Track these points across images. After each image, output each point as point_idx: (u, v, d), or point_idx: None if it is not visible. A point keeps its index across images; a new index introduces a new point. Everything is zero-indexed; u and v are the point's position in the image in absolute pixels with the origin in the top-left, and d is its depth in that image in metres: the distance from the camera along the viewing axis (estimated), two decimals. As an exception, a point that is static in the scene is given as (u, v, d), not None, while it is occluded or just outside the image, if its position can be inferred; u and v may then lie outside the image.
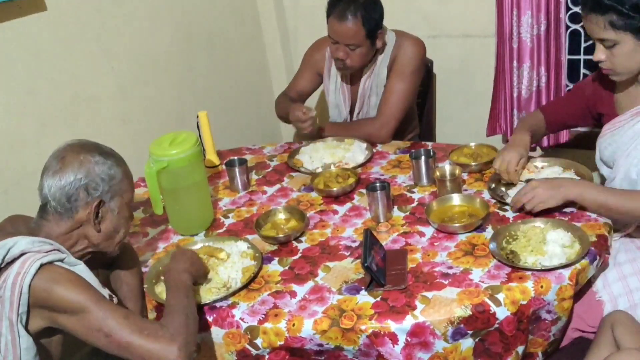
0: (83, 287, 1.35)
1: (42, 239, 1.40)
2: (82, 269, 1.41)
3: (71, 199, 1.43)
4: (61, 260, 1.37)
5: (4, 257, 1.34)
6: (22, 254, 1.34)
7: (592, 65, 2.84)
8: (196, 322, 1.44)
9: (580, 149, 2.81)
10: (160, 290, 1.70)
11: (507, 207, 1.89)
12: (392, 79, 2.44)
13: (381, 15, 2.35)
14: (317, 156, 2.33)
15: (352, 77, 2.53)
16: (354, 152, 2.33)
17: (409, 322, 1.50)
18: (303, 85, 2.65)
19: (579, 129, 2.85)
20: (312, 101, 2.90)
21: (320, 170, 2.26)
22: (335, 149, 2.36)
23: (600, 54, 1.79)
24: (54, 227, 1.45)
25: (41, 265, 1.33)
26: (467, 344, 1.54)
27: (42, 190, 1.45)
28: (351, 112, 2.59)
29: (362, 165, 2.28)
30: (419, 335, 1.51)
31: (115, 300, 1.46)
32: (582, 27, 2.74)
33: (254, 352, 1.58)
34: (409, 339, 1.51)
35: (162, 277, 1.70)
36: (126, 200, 1.54)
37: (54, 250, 1.39)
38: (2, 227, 1.52)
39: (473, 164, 2.10)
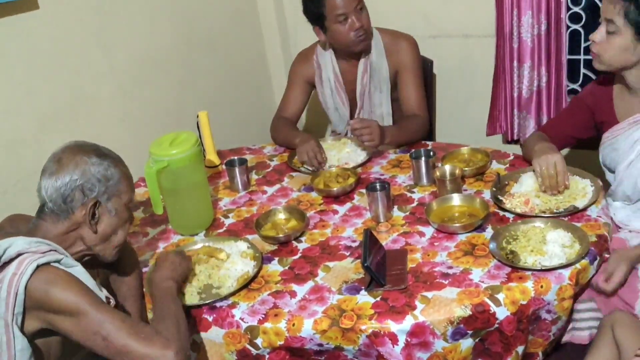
0: (80, 290, 1.34)
1: (39, 239, 1.40)
2: (79, 271, 1.40)
3: (67, 200, 1.43)
4: (58, 262, 1.37)
5: (0, 258, 1.34)
6: (18, 255, 1.34)
7: (592, 65, 2.84)
8: (187, 328, 1.45)
9: (582, 149, 2.81)
10: None
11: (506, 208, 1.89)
12: (409, 79, 2.45)
13: None
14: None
15: (346, 77, 2.52)
16: (353, 153, 2.33)
17: (408, 322, 1.50)
18: (296, 102, 2.59)
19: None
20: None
21: (321, 170, 2.25)
22: (335, 149, 2.36)
23: (598, 35, 1.81)
24: (51, 227, 1.45)
25: (38, 266, 1.32)
26: (466, 344, 1.54)
27: (40, 191, 1.45)
28: (351, 112, 2.59)
29: (362, 164, 2.28)
30: (419, 335, 1.51)
31: (112, 302, 1.46)
32: (582, 27, 2.74)
33: (254, 351, 1.58)
34: (409, 339, 1.51)
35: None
36: (124, 201, 1.53)
37: (51, 250, 1.39)
38: (2, 227, 1.52)
39: (466, 169, 2.09)
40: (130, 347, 1.32)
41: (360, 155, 2.32)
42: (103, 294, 1.43)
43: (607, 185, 2.00)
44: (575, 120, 2.05)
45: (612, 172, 1.95)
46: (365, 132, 2.22)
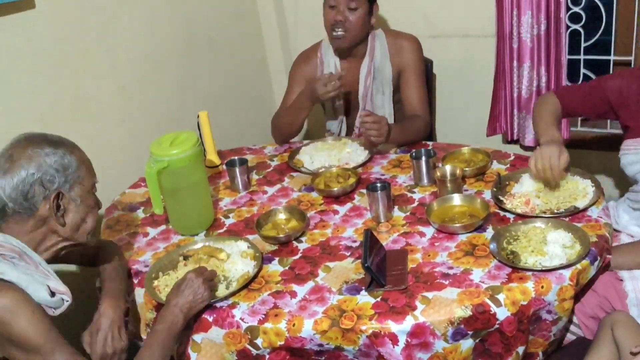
0: (45, 326, 1.30)
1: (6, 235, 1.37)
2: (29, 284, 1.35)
3: (28, 196, 1.38)
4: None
5: None
6: None
7: (592, 65, 2.84)
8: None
9: (578, 149, 2.81)
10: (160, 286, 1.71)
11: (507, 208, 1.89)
12: (411, 79, 2.45)
13: None
14: (317, 156, 2.33)
15: (347, 76, 2.51)
16: (354, 153, 2.33)
17: (409, 322, 1.50)
18: None
19: (578, 128, 2.86)
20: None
21: (322, 170, 2.25)
22: (335, 150, 2.36)
23: None
24: (17, 228, 1.40)
25: None
26: (467, 344, 1.54)
27: None
28: (346, 112, 2.59)
29: (363, 164, 2.28)
30: (419, 336, 1.51)
31: (69, 300, 1.41)
32: (582, 27, 2.74)
33: (254, 352, 1.59)
34: (409, 340, 1.51)
35: (157, 282, 1.71)
36: (87, 187, 1.48)
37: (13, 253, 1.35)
38: None
39: (467, 169, 2.09)
40: None
41: (361, 155, 2.32)
42: (59, 297, 1.39)
43: (623, 185, 1.96)
44: (594, 103, 1.98)
45: (634, 181, 1.91)
46: (374, 127, 2.21)
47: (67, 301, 1.41)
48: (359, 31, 2.39)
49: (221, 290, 1.68)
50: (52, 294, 1.37)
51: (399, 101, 2.52)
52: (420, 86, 2.47)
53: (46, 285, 1.37)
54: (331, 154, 2.33)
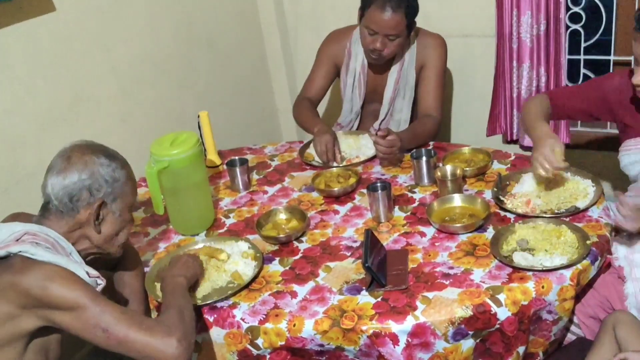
0: (78, 284, 1.34)
1: (47, 228, 1.42)
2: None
3: (73, 199, 1.44)
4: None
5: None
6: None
7: (592, 65, 2.84)
8: (193, 320, 1.45)
9: (578, 149, 2.81)
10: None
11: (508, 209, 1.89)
12: (429, 78, 2.44)
13: (418, 3, 2.34)
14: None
15: (371, 74, 2.51)
16: (364, 147, 2.34)
17: (409, 322, 1.51)
18: (321, 82, 2.57)
19: (578, 128, 2.86)
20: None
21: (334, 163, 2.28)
22: (352, 138, 2.38)
23: (638, 77, 1.72)
24: (54, 226, 1.45)
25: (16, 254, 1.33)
26: (467, 344, 1.54)
27: (46, 188, 1.45)
28: (363, 109, 2.59)
29: (371, 159, 2.28)
30: (420, 336, 1.51)
31: (103, 283, 1.45)
32: (582, 27, 2.74)
33: (255, 352, 1.59)
34: (410, 340, 1.51)
35: (158, 283, 1.71)
36: (128, 203, 1.54)
37: (51, 243, 1.39)
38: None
39: (467, 169, 2.09)
40: (131, 337, 1.32)
41: (371, 149, 2.32)
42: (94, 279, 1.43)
43: (623, 185, 1.96)
44: (589, 104, 1.97)
45: (635, 180, 1.89)
46: (387, 153, 2.18)
47: (101, 283, 1.44)
48: (395, 52, 2.39)
49: (222, 290, 1.68)
50: (87, 275, 1.42)
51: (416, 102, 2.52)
52: (437, 85, 2.45)
53: (82, 267, 1.41)
54: (348, 141, 2.35)
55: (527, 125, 1.95)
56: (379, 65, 2.47)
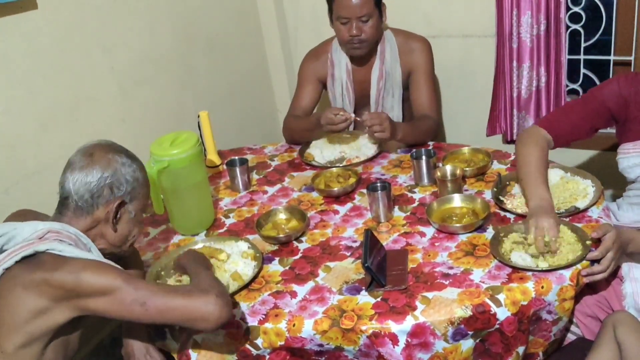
0: (108, 268, 1.36)
1: (67, 225, 1.44)
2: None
3: (94, 196, 1.45)
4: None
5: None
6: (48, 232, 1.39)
7: (592, 65, 2.84)
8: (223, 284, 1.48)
9: (578, 149, 2.81)
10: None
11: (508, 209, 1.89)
12: (421, 81, 2.45)
13: None
14: (327, 149, 2.35)
15: (357, 78, 2.52)
16: (364, 146, 2.34)
17: (409, 322, 1.50)
18: (308, 99, 2.58)
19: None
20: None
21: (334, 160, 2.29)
22: (345, 143, 2.38)
23: None
24: (73, 223, 1.46)
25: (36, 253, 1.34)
26: (467, 344, 1.54)
27: (65, 184, 1.46)
28: (355, 113, 2.59)
29: (371, 159, 2.28)
30: (419, 336, 1.51)
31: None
32: (582, 27, 2.74)
33: (254, 352, 1.59)
34: (409, 340, 1.51)
35: (159, 281, 1.73)
36: (142, 205, 1.57)
37: (73, 240, 1.41)
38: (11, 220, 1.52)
39: (467, 169, 2.09)
40: (171, 305, 1.35)
41: (371, 149, 2.32)
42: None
43: (624, 185, 1.94)
44: (587, 122, 1.90)
45: (632, 181, 1.88)
46: (376, 122, 2.19)
47: None
48: (375, 37, 2.40)
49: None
50: None
51: (407, 99, 2.52)
52: (429, 87, 2.46)
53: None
54: (343, 145, 2.36)
55: (523, 177, 1.83)
56: (363, 66, 2.48)
